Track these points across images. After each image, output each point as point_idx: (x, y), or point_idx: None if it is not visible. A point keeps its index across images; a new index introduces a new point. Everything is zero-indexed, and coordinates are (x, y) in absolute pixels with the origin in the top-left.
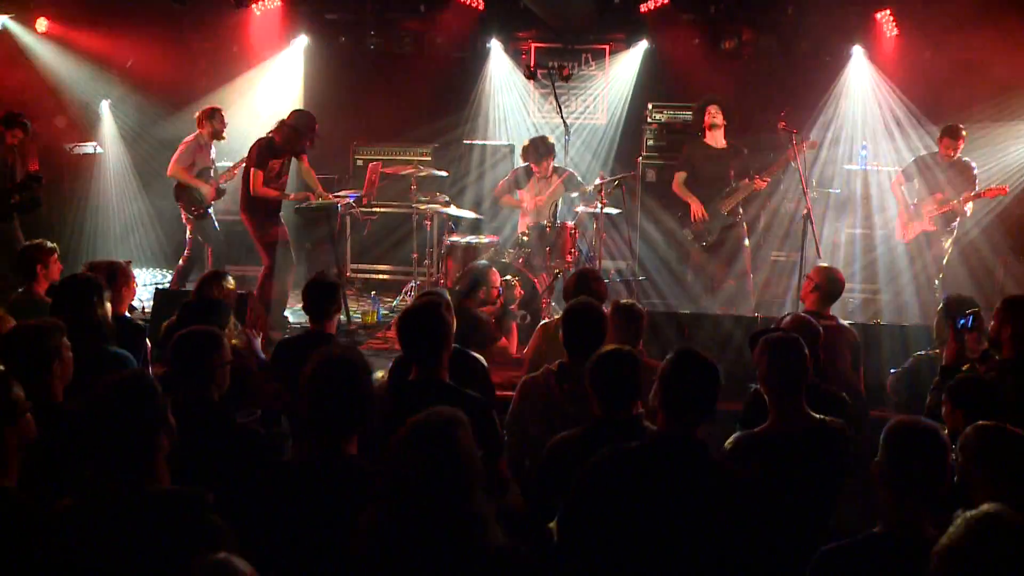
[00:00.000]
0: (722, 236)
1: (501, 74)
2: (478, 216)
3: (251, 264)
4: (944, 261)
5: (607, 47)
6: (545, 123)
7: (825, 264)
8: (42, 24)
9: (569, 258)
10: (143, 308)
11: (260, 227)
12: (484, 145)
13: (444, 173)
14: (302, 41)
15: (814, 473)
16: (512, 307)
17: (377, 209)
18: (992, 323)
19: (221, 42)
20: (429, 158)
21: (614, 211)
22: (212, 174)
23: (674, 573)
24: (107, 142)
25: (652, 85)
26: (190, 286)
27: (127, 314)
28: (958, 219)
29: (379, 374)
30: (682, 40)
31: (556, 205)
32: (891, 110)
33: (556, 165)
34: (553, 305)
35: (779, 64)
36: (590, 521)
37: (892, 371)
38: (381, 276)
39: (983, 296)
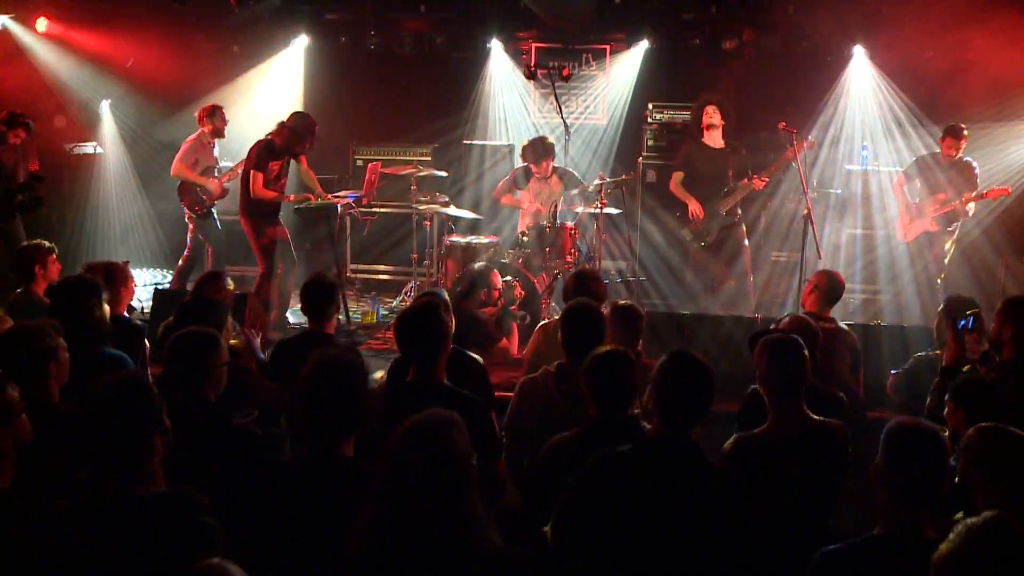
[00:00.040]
0: (721, 236)
1: (501, 74)
2: (477, 216)
3: (251, 265)
4: (946, 261)
5: (607, 47)
6: (545, 123)
7: (826, 268)
8: (42, 24)
9: (569, 258)
10: (142, 308)
11: (257, 230)
12: (484, 145)
13: (444, 173)
14: (302, 41)
15: (814, 475)
16: (512, 308)
17: (377, 209)
18: (993, 324)
19: (221, 42)
20: (429, 158)
21: (614, 211)
22: (216, 173)
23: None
24: (107, 142)
25: (653, 85)
26: (191, 286)
27: (126, 314)
28: (960, 219)
29: (379, 374)
30: (682, 40)
31: (556, 205)
32: (892, 110)
33: (555, 165)
34: (553, 305)
35: (780, 64)
36: (584, 524)
37: (892, 372)
38: (381, 276)
39: (985, 297)
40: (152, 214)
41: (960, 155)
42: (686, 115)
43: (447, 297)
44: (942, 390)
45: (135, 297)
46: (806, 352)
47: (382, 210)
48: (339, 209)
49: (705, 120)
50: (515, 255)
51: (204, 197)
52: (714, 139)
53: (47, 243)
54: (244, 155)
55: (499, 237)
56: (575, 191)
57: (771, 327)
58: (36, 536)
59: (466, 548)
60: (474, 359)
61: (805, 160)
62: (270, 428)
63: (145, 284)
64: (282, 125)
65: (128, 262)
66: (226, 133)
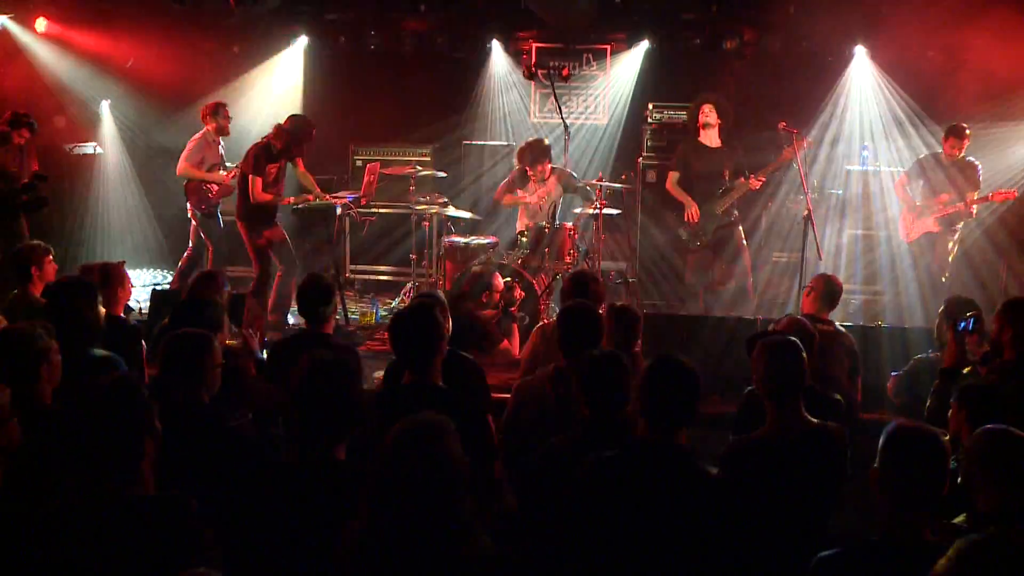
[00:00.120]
0: (719, 236)
1: (501, 74)
2: (477, 217)
3: (251, 265)
4: (949, 260)
5: (608, 47)
6: (545, 123)
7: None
8: (42, 24)
9: (568, 259)
10: (140, 309)
11: (253, 232)
12: (484, 146)
13: (443, 174)
14: (302, 41)
15: (812, 478)
16: (512, 309)
17: (376, 210)
18: (993, 326)
19: (221, 42)
20: (428, 159)
21: (614, 212)
22: (222, 171)
23: None
24: (107, 142)
25: (653, 85)
26: None
27: (123, 315)
28: (963, 220)
29: (378, 374)
30: (683, 40)
31: (555, 206)
32: (892, 110)
33: (553, 166)
34: (552, 306)
35: (780, 64)
36: (577, 528)
37: (893, 374)
38: (380, 277)
39: (987, 298)
40: (152, 214)
41: (963, 155)
42: (686, 115)
43: (443, 298)
44: (942, 392)
45: (133, 297)
46: (804, 354)
47: (381, 211)
48: (338, 210)
49: (701, 119)
50: (514, 256)
51: (212, 194)
52: (710, 138)
53: (43, 244)
54: (243, 156)
55: (498, 238)
56: (577, 185)
57: (768, 328)
58: (25, 539)
59: (456, 551)
60: (471, 361)
61: (805, 160)
62: (269, 429)
63: (144, 284)
64: (279, 128)
65: (124, 262)
66: (230, 130)
